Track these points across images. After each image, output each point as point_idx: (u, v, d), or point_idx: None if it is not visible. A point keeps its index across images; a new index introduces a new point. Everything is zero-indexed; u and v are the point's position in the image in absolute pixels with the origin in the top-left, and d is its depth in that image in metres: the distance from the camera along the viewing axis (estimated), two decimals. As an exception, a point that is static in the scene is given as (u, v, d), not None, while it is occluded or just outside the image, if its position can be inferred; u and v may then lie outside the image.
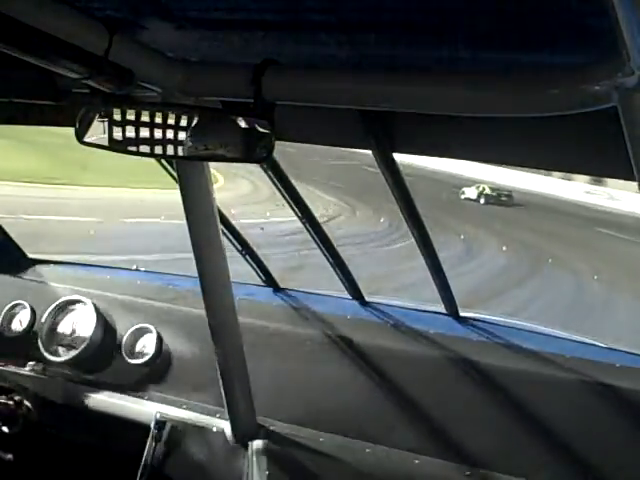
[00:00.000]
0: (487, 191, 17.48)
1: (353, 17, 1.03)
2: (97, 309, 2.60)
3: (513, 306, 9.49)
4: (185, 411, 2.36)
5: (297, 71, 1.31)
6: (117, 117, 1.29)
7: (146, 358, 2.47)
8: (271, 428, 2.24)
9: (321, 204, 12.45)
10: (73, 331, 2.62)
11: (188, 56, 1.37)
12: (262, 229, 9.04)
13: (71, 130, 1.27)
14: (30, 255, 3.12)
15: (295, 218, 2.42)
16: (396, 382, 2.20)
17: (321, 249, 2.61)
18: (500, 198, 17.56)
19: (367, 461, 2.15)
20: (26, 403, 2.40)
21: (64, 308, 2.67)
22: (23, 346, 2.63)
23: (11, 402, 2.37)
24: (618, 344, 2.54)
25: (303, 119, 1.72)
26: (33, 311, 2.68)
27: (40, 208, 11.26)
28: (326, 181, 15.22)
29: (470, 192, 17.57)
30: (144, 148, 1.32)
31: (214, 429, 2.28)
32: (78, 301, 2.66)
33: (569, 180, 18.15)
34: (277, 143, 1.24)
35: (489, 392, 2.11)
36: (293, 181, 2.26)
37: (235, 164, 1.52)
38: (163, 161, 2.30)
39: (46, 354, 2.56)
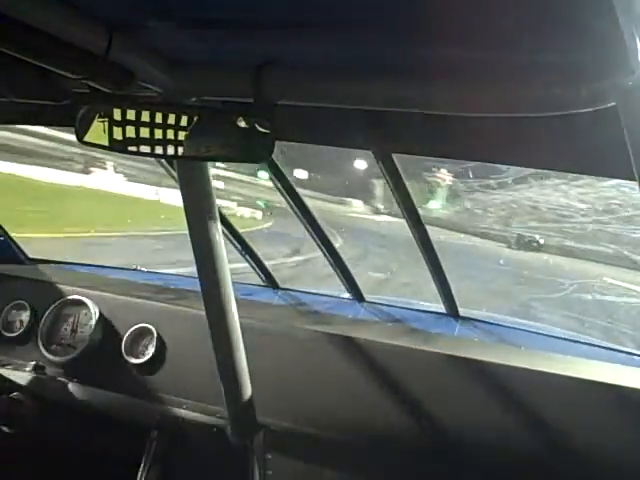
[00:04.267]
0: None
1: (354, 17, 1.02)
2: (97, 309, 2.61)
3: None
4: (185, 411, 2.36)
5: (297, 71, 1.31)
6: (117, 117, 1.29)
7: (146, 358, 2.47)
8: (271, 427, 2.24)
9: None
10: (73, 331, 2.63)
11: (188, 56, 1.37)
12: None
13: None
14: (30, 255, 3.13)
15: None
16: (396, 382, 2.20)
17: (322, 249, 2.62)
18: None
19: (367, 460, 2.15)
20: (26, 403, 2.40)
21: (64, 308, 2.67)
22: (23, 346, 2.63)
23: (11, 402, 2.36)
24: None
25: (303, 119, 1.72)
26: (33, 311, 2.68)
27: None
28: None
29: None
30: (144, 148, 1.32)
31: (214, 429, 2.28)
32: (78, 301, 2.66)
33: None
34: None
35: (489, 392, 2.12)
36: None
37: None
38: (163, 161, 2.30)
39: (46, 354, 2.57)
